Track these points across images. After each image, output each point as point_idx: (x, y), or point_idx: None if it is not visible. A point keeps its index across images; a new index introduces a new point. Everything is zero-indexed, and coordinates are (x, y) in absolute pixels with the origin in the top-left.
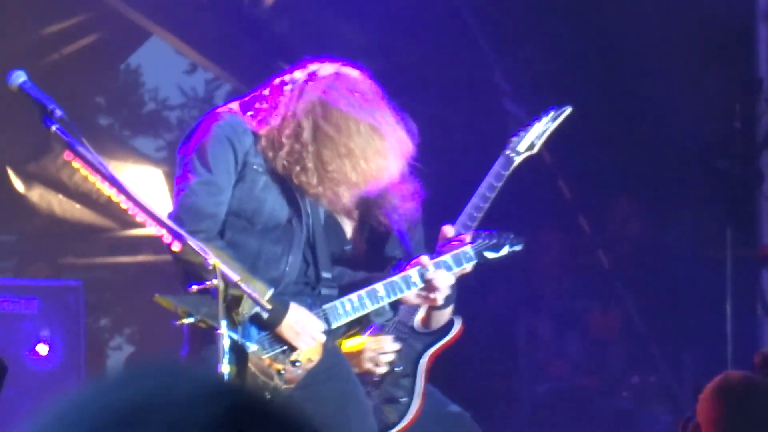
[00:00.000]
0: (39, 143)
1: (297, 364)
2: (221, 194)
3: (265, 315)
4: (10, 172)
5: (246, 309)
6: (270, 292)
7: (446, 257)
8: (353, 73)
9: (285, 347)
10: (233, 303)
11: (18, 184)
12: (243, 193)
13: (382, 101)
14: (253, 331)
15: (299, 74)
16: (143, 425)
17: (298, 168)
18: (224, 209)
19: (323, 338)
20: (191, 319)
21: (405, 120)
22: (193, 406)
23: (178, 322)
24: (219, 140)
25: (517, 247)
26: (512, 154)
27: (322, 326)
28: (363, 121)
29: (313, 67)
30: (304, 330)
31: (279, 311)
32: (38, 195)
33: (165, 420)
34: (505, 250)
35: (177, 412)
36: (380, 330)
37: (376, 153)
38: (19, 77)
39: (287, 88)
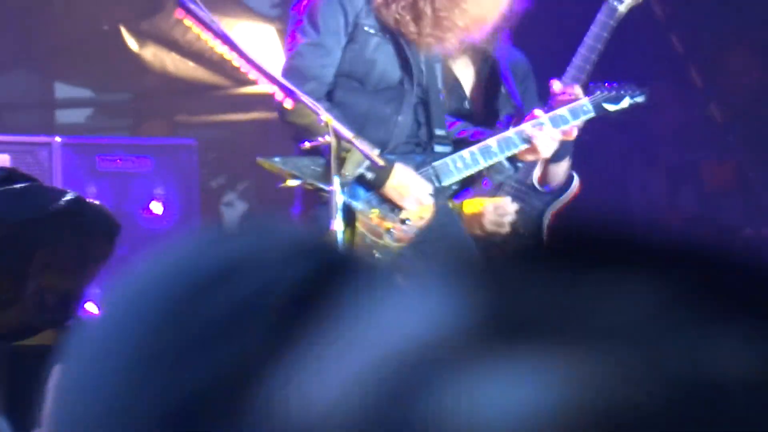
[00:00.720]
0: (151, 1)
1: (407, 222)
2: (329, 56)
3: (369, 175)
4: (124, 31)
5: (350, 169)
6: (375, 153)
7: (562, 110)
8: None
9: (394, 206)
10: (339, 163)
11: (132, 43)
12: (354, 54)
13: None
14: (360, 191)
15: None
16: (235, 282)
17: (409, 17)
18: (332, 71)
19: (429, 200)
20: (296, 182)
21: None
22: (285, 264)
23: (283, 185)
24: (330, 2)
25: (639, 98)
26: (616, 3)
27: (428, 187)
28: None
29: None
30: (409, 191)
31: (383, 171)
32: (152, 53)
33: (257, 277)
34: (625, 102)
35: (269, 269)
36: (499, 190)
37: None
38: None
39: None
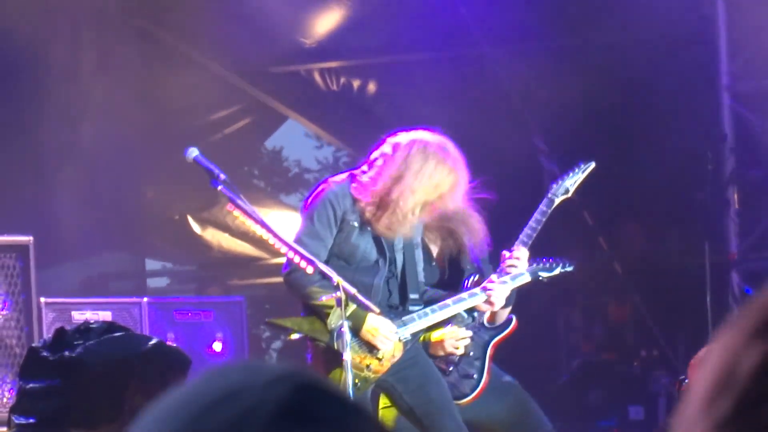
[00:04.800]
0: (210, 197)
1: (381, 359)
2: (322, 242)
3: (348, 324)
4: (190, 219)
5: (334, 321)
6: (352, 307)
7: (507, 278)
8: (422, 135)
9: (371, 347)
10: (328, 318)
11: (196, 227)
12: (341, 240)
13: (446, 153)
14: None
15: (384, 147)
16: (230, 405)
17: (380, 213)
18: (325, 253)
19: (395, 337)
20: (297, 335)
21: (464, 165)
22: (266, 389)
23: (288, 337)
24: (324, 202)
25: (569, 268)
26: (553, 197)
27: (393, 329)
28: (428, 173)
29: (391, 139)
30: (379, 332)
31: (358, 319)
32: (210, 235)
33: (246, 400)
34: (557, 271)
35: (255, 394)
36: (457, 324)
37: (446, 185)
38: (193, 152)
39: (381, 157)
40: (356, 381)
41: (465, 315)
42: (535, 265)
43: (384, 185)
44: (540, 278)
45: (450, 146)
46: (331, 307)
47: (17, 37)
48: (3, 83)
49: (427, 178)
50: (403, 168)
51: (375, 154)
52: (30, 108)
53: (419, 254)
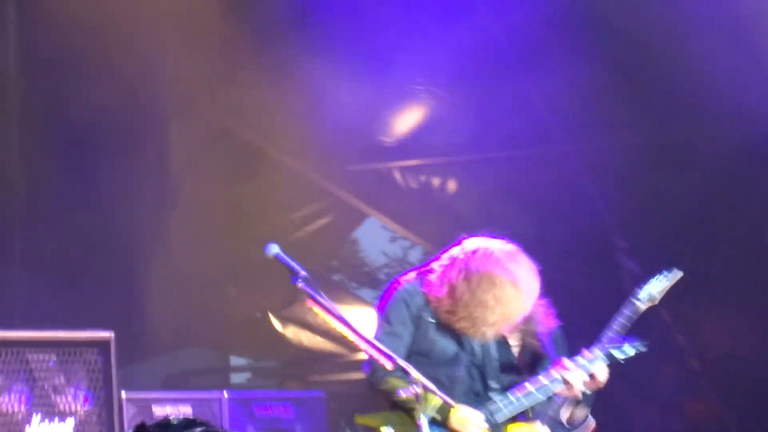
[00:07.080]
0: (291, 294)
1: None
2: (400, 340)
3: (438, 417)
4: (271, 316)
5: (426, 412)
6: (437, 400)
7: (583, 361)
8: (493, 243)
9: None
10: (414, 412)
11: (277, 324)
12: (419, 337)
13: (515, 262)
14: (434, 428)
15: (455, 250)
16: None
17: (455, 318)
18: (405, 350)
19: (485, 425)
20: (390, 430)
21: (532, 277)
22: None
23: None
24: (398, 302)
25: (642, 348)
26: (638, 303)
27: (482, 417)
28: (498, 282)
29: (464, 243)
30: (468, 422)
31: (447, 411)
32: (291, 332)
33: None
34: (630, 350)
35: None
36: (538, 420)
37: (509, 302)
38: (274, 248)
39: (446, 261)
40: None
41: (541, 396)
42: (607, 345)
43: (451, 292)
44: (613, 359)
45: (517, 260)
46: (414, 402)
47: (106, 136)
48: (96, 180)
49: (492, 298)
50: (467, 281)
51: (444, 256)
52: (120, 206)
53: (493, 343)
